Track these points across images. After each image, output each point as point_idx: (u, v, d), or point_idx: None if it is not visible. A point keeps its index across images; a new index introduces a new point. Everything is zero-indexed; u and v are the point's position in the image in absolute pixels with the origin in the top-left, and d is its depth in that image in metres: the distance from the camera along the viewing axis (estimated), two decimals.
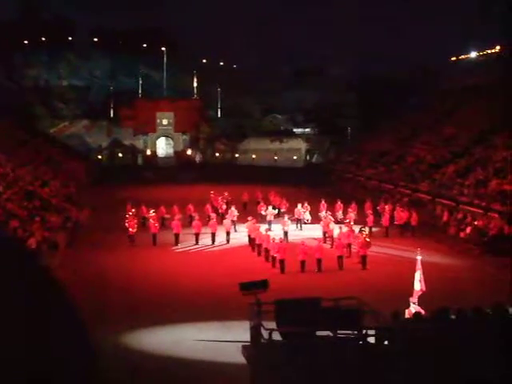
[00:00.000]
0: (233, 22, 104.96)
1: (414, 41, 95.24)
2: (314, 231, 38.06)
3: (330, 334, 14.11)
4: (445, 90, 70.27)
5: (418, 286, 19.83)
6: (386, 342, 13.52)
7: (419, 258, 20.11)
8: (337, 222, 38.39)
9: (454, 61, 75.18)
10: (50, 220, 35.48)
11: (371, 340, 13.93)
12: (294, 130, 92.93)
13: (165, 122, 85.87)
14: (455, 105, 63.89)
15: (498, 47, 66.85)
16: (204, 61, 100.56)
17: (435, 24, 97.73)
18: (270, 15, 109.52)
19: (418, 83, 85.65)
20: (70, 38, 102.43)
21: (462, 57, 73.77)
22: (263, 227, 35.03)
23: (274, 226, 38.96)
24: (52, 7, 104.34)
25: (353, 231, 33.55)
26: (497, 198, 39.11)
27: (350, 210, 40.95)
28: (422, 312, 17.41)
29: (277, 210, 42.86)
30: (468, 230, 36.14)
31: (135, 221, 37.05)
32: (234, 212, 40.02)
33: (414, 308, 18.48)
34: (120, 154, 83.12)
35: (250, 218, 36.21)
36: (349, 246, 32.12)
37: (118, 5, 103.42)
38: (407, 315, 17.73)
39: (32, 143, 65.92)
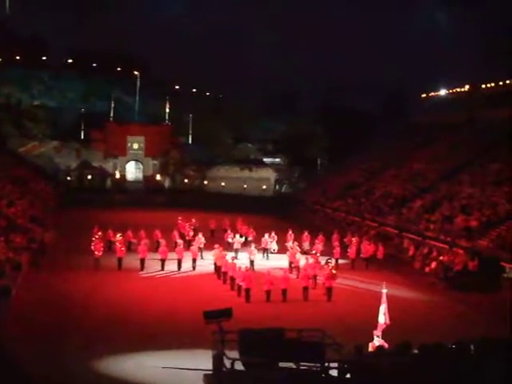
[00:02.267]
0: (206, 50, 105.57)
1: (387, 75, 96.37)
2: (280, 261, 38.06)
3: (293, 365, 14.08)
4: (414, 125, 71.12)
5: (383, 319, 19.89)
6: (348, 375, 13.51)
7: (384, 291, 20.19)
8: (303, 252, 38.45)
9: (425, 97, 76.19)
10: (14, 240, 35.06)
11: (334, 373, 13.91)
12: (264, 159, 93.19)
13: (135, 146, 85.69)
14: (424, 140, 64.65)
15: (467, 86, 67.89)
16: (177, 87, 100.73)
17: (407, 60, 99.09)
18: (244, 44, 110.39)
19: (389, 117, 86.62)
20: (44, 58, 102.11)
21: (432, 94, 74.79)
22: (230, 255, 34.96)
23: (240, 255, 38.90)
24: (27, 26, 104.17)
25: (319, 262, 33.59)
26: (462, 233, 39.52)
27: (317, 241, 41.03)
28: (386, 345, 17.45)
29: (244, 239, 42.85)
30: (433, 264, 36.43)
31: (101, 244, 36.79)
32: (200, 239, 39.89)
33: (377, 341, 18.52)
34: (89, 177, 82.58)
35: (216, 246, 36.10)
36: (314, 277, 32.13)
37: (93, 28, 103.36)
38: (371, 348, 17.76)
39: (0, 162, 65.27)
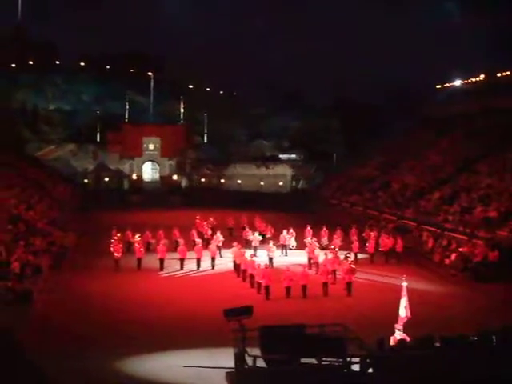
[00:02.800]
0: (219, 49, 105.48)
1: (401, 67, 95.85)
2: (299, 257, 38.02)
3: (315, 361, 14.06)
4: (430, 117, 70.77)
5: (404, 312, 19.82)
6: (370, 370, 13.48)
7: (404, 284, 20.13)
8: (322, 248, 38.38)
9: (440, 88, 75.78)
10: (34, 244, 35.25)
11: (356, 368, 13.88)
12: (280, 155, 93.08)
13: (151, 146, 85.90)
14: (440, 132, 64.33)
15: (482, 76, 67.47)
16: (191, 86, 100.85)
17: (421, 51, 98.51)
18: (256, 42, 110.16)
19: (403, 109, 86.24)
20: (57, 62, 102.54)
21: (447, 84, 74.37)
22: (248, 253, 34.97)
23: (259, 252, 38.90)
24: (40, 30, 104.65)
25: (338, 257, 33.52)
26: (481, 224, 39.29)
27: (335, 236, 40.97)
28: (407, 339, 17.40)
29: (262, 236, 42.82)
30: (453, 256, 36.22)
31: (120, 245, 36.93)
32: (219, 237, 39.93)
33: (399, 335, 18.45)
34: (106, 178, 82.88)
35: (235, 244, 36.14)
36: (334, 272, 32.08)
37: (105, 29, 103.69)
38: (392, 342, 17.71)
39: (18, 166, 65.66)
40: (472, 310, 27.44)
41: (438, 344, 14.42)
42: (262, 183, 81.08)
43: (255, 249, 39.60)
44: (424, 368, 12.76)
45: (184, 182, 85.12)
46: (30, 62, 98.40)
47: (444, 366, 12.85)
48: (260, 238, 41.74)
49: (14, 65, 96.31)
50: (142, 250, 36.62)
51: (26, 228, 38.69)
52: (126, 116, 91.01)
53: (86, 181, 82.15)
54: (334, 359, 13.96)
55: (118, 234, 39.30)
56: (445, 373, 12.50)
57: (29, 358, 18.40)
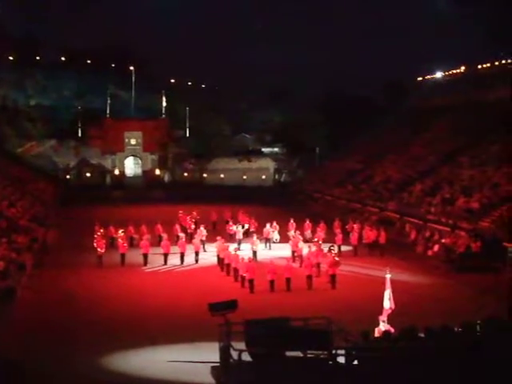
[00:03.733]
0: (201, 42, 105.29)
1: (382, 60, 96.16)
2: (282, 251, 38.11)
3: (300, 354, 14.07)
4: (412, 110, 71.03)
5: (388, 304, 19.92)
6: (355, 362, 13.51)
7: (388, 276, 20.21)
8: (305, 241, 38.41)
9: (421, 80, 76.05)
10: (16, 241, 35.05)
11: (341, 360, 13.91)
12: (263, 149, 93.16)
13: (133, 141, 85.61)
14: (422, 124, 64.58)
15: (462, 68, 67.75)
16: (172, 80, 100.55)
17: (402, 43, 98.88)
18: (239, 35, 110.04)
19: (386, 102, 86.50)
20: (37, 57, 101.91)
21: (428, 77, 74.63)
22: (232, 247, 34.98)
23: (243, 246, 38.92)
24: (19, 26, 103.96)
25: (322, 250, 33.60)
26: (464, 215, 39.53)
27: (318, 229, 41.03)
28: (392, 330, 17.47)
29: (245, 228, 42.78)
30: (436, 247, 36.44)
31: (104, 241, 36.77)
32: (202, 232, 39.88)
33: (383, 326, 18.52)
34: (88, 174, 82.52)
35: (218, 238, 36.12)
36: (318, 265, 32.14)
37: (85, 24, 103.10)
38: (377, 334, 17.77)
39: None
40: (456, 300, 27.57)
41: (422, 335, 14.46)
42: (244, 177, 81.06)
43: (239, 242, 39.63)
44: (408, 359, 12.81)
45: (166, 177, 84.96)
46: (10, 58, 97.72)
47: (428, 356, 12.90)
48: (243, 229, 41.71)
49: None
50: (125, 245, 36.50)
51: (8, 225, 38.46)
52: (108, 111, 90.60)
53: (67, 176, 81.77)
54: (320, 352, 13.98)
55: (101, 230, 39.12)
56: (429, 364, 12.55)
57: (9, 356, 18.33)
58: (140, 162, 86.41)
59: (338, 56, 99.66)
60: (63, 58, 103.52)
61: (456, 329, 14.42)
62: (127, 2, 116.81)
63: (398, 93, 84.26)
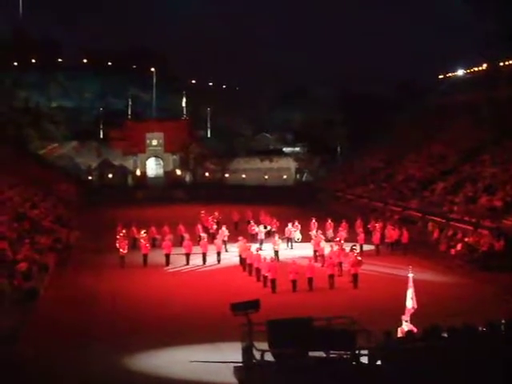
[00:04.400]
0: (221, 43, 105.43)
1: (402, 58, 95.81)
2: (304, 250, 38.00)
3: (323, 354, 14.03)
4: (433, 108, 70.61)
5: (410, 303, 19.80)
6: (379, 362, 13.44)
7: (411, 275, 20.09)
8: (327, 240, 38.34)
9: (442, 78, 75.59)
10: (39, 242, 35.29)
11: (364, 360, 13.84)
12: (284, 149, 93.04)
13: (154, 142, 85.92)
14: (443, 122, 64.19)
15: (484, 65, 67.26)
16: (193, 81, 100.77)
17: (422, 41, 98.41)
18: (258, 36, 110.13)
19: (406, 101, 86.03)
20: (59, 60, 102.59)
21: (450, 74, 74.17)
22: (254, 247, 34.99)
23: (264, 246, 38.90)
24: (41, 28, 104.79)
25: (344, 250, 33.48)
26: (487, 214, 39.22)
27: (340, 228, 40.95)
28: (415, 330, 17.36)
29: (268, 228, 42.74)
30: (459, 246, 36.18)
31: (126, 241, 36.93)
32: (224, 232, 39.92)
33: (406, 326, 18.43)
34: (110, 175, 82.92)
35: (240, 238, 36.15)
36: (340, 264, 32.04)
37: (107, 26, 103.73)
38: (400, 333, 17.68)
39: (21, 164, 65.75)
40: (479, 299, 27.36)
41: (445, 335, 14.36)
42: (266, 177, 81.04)
43: (261, 242, 39.60)
44: (432, 359, 12.72)
45: (188, 177, 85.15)
46: (33, 61, 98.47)
47: (452, 356, 12.81)
48: (265, 230, 41.71)
49: (16, 63, 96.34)
50: (147, 245, 36.65)
51: (31, 226, 38.73)
52: (129, 112, 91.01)
53: (89, 178, 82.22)
54: (343, 352, 13.92)
55: (124, 231, 39.30)
56: (453, 364, 12.47)
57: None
58: (161, 162, 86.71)
59: (355, 54, 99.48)
60: (85, 60, 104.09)
61: (480, 328, 14.30)
62: (149, 3, 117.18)
63: (417, 91, 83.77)
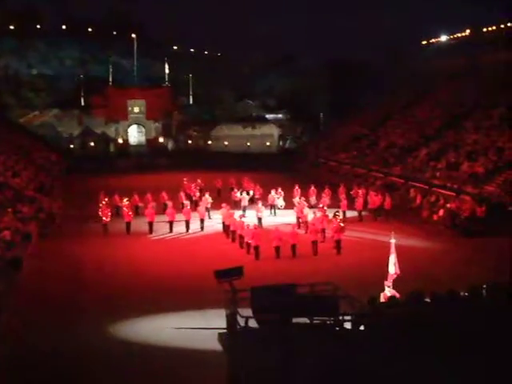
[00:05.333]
0: (203, 9, 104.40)
1: (384, 25, 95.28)
2: (287, 217, 38.11)
3: (307, 320, 14.09)
4: (416, 74, 70.45)
5: (393, 269, 19.92)
6: (362, 327, 13.53)
7: (393, 241, 20.18)
8: (310, 207, 38.44)
9: (425, 44, 75.36)
10: (22, 211, 35.11)
11: (348, 325, 13.93)
12: (267, 115, 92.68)
13: (136, 109, 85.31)
14: (427, 89, 64.17)
15: (467, 30, 67.11)
16: (175, 48, 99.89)
17: (405, 7, 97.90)
18: (243, 2, 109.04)
19: (389, 67, 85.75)
20: (38, 27, 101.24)
21: (433, 40, 73.94)
22: (237, 214, 35.01)
23: (248, 213, 38.94)
24: None
25: (327, 216, 33.57)
26: (469, 180, 39.43)
27: (323, 194, 41.03)
28: (397, 295, 17.47)
29: (250, 194, 42.69)
30: (441, 212, 36.41)
31: (109, 210, 36.84)
32: (207, 199, 39.89)
33: (388, 292, 18.55)
34: (92, 143, 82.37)
35: (223, 205, 36.18)
36: (323, 231, 32.16)
37: None
38: (382, 299, 17.80)
39: (2, 133, 65.13)
40: (461, 265, 27.61)
41: (428, 300, 14.44)
42: (248, 144, 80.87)
43: (244, 209, 39.64)
44: (415, 324, 12.81)
45: (170, 145, 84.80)
46: (11, 27, 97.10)
47: (435, 321, 12.91)
48: (248, 196, 41.70)
49: None
50: (130, 213, 36.57)
51: (13, 195, 38.49)
52: (110, 79, 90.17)
53: (71, 146, 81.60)
54: (326, 318, 13.99)
55: (106, 199, 39.20)
56: (436, 328, 12.57)
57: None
58: (144, 130, 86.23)
59: (339, 20, 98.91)
60: (64, 27, 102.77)
61: (462, 293, 14.40)
62: None
63: (399, 57, 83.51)
